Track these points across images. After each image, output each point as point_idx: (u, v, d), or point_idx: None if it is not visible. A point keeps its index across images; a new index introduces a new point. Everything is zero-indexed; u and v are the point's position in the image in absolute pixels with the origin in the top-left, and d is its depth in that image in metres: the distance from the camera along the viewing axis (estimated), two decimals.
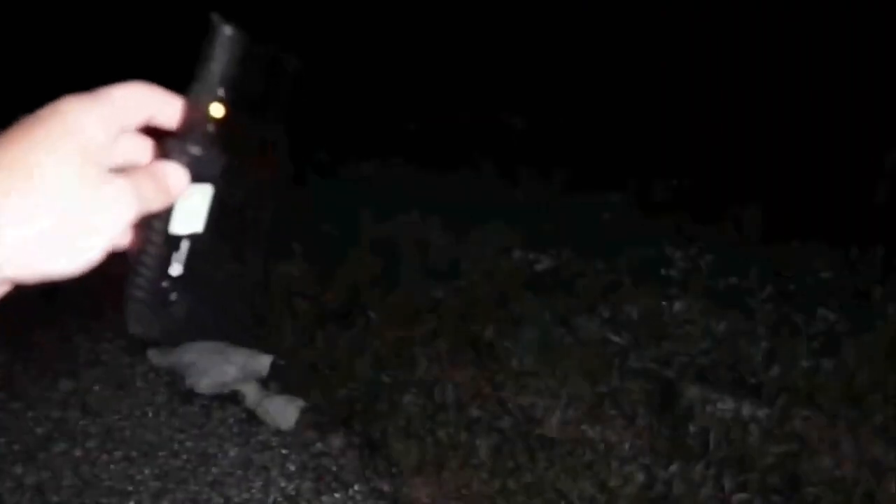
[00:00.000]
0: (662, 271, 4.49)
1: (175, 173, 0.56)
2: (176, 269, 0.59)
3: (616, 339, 3.90)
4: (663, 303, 4.20)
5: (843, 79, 6.31)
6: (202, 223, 0.60)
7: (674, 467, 3.14)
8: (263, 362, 3.82)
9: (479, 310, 4.30)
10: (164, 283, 0.59)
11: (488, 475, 3.17)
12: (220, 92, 0.57)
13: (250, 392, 3.69)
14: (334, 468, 3.30)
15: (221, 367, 3.72)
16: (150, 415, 3.60)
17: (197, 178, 0.57)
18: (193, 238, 0.60)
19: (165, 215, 0.57)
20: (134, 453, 3.34)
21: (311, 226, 5.37)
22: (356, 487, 3.18)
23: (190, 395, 3.73)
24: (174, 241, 0.59)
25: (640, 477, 3.13)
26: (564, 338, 4.00)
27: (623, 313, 4.13)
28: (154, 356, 3.89)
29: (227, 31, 0.56)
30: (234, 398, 3.69)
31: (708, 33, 6.89)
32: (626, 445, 3.30)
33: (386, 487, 3.20)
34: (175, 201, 0.57)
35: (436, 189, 6.02)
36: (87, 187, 0.51)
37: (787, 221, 5.13)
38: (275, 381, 3.81)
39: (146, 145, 0.58)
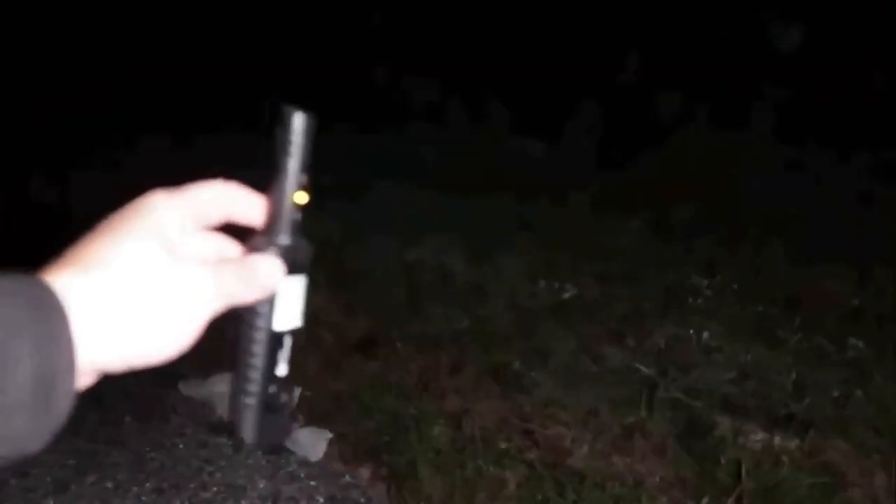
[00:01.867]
0: (689, 300, 4.48)
1: (268, 265, 0.56)
2: (282, 370, 0.59)
3: (643, 369, 3.89)
4: (690, 332, 4.18)
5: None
6: (300, 317, 0.59)
7: (704, 501, 3.11)
8: (292, 393, 3.82)
9: (504, 339, 4.31)
10: (273, 388, 0.58)
11: None
12: (303, 178, 0.57)
13: None
14: (362, 500, 3.30)
15: None
16: (181, 446, 3.62)
17: (291, 269, 0.57)
18: (294, 333, 0.59)
19: (267, 312, 0.57)
20: (164, 485, 3.36)
21: (334, 255, 5.40)
22: None
23: (219, 427, 3.75)
24: (278, 339, 0.58)
25: None
26: (591, 368, 3.99)
27: (650, 343, 4.12)
28: (184, 387, 3.92)
29: (304, 119, 0.56)
30: None
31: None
32: (656, 478, 3.28)
33: None
34: (272, 295, 0.56)
35: (456, 217, 6.05)
36: (169, 276, 0.52)
37: (813, 248, 5.10)
38: (302, 413, 3.82)
39: (232, 243, 0.59)
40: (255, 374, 0.58)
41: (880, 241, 5.17)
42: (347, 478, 3.44)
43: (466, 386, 3.93)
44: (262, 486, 3.36)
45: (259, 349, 0.57)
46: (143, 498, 3.29)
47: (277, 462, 3.52)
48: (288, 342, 0.58)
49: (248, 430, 0.59)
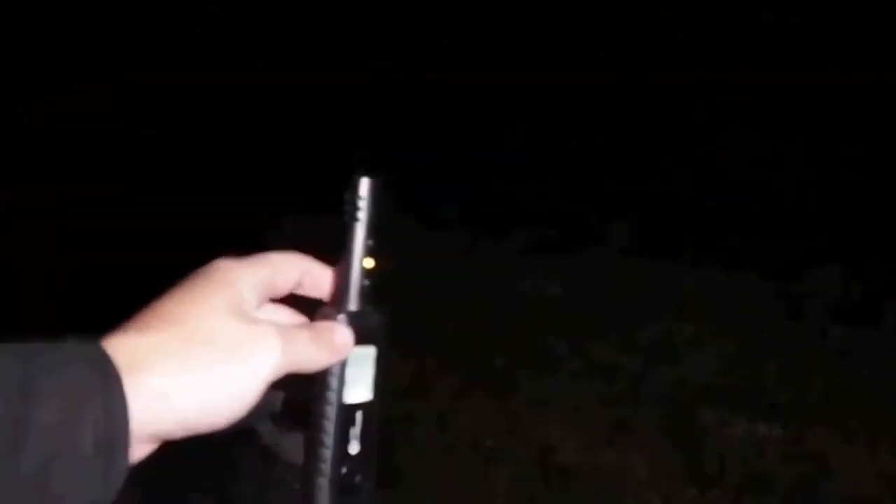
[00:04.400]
0: (672, 293, 4.49)
1: (337, 329, 0.55)
2: (354, 447, 0.56)
3: (628, 363, 3.90)
4: (674, 325, 4.20)
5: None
6: (371, 389, 0.57)
7: (691, 492, 3.12)
8: (276, 398, 3.82)
9: (490, 338, 4.31)
10: (345, 467, 0.56)
11: None
12: (370, 242, 0.56)
13: (264, 429, 3.68)
14: None
15: None
16: (168, 453, 3.61)
17: (360, 336, 0.56)
18: (365, 407, 0.56)
19: (337, 386, 0.55)
20: (154, 493, 3.34)
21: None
22: None
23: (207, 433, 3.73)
24: (349, 413, 0.56)
25: (658, 503, 3.12)
26: (577, 364, 4.00)
27: (634, 337, 4.13)
28: None
29: (373, 184, 0.55)
30: (248, 435, 3.69)
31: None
32: (643, 471, 3.29)
33: None
34: (340, 365, 0.55)
35: (443, 220, 6.04)
36: (234, 334, 0.51)
37: (794, 239, 5.12)
38: (288, 417, 3.81)
39: (299, 315, 0.59)
40: (326, 453, 0.56)
41: (866, 231, 5.19)
42: None
43: (452, 386, 3.93)
44: (249, 491, 3.35)
45: (329, 425, 0.56)
46: None
47: (265, 467, 3.51)
48: (359, 417, 0.56)
49: None
